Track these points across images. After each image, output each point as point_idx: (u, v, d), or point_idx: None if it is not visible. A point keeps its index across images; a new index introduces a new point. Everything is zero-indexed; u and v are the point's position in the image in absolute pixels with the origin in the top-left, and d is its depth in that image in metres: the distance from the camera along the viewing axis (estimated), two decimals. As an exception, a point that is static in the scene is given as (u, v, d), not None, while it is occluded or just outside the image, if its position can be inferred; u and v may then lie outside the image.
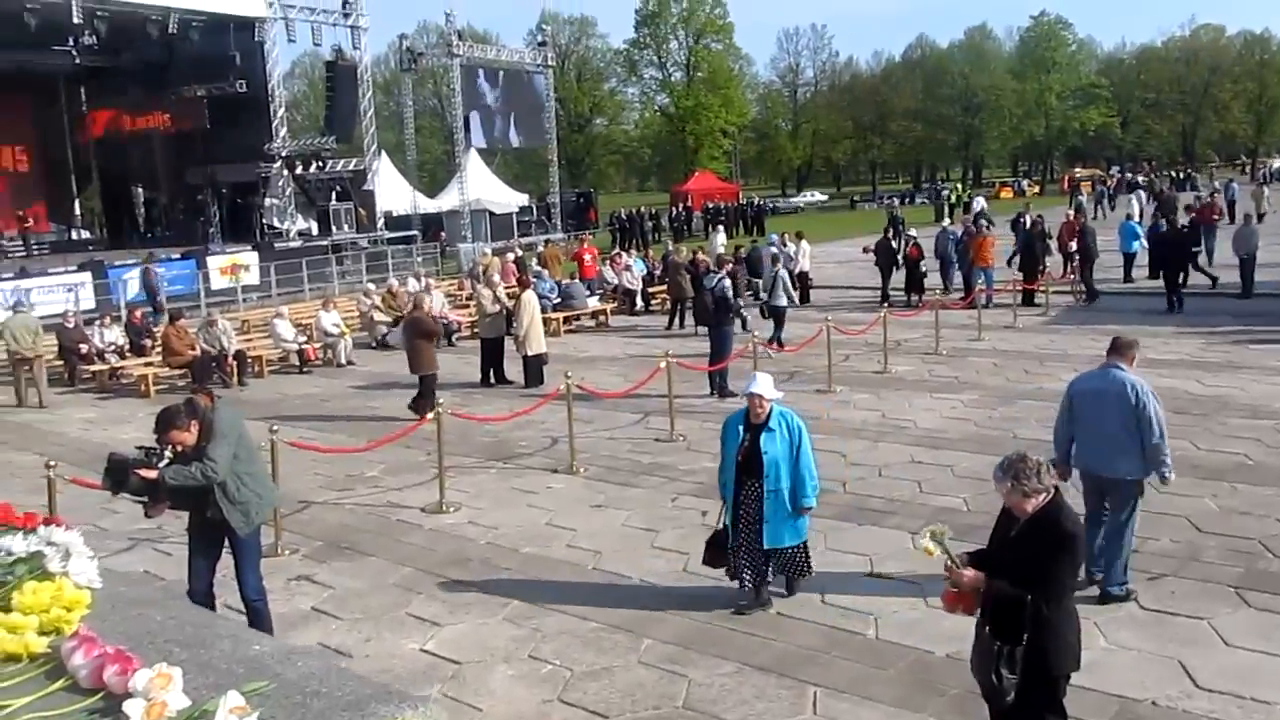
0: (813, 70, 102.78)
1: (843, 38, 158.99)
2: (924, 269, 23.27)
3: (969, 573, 4.71)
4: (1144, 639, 6.60)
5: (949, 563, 4.75)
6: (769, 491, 7.16)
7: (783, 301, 18.73)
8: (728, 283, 15.60)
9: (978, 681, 4.85)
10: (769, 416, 7.22)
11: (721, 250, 26.50)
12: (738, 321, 17.00)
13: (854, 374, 15.93)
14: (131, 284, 28.75)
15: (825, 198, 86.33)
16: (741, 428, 7.36)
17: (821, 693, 6.15)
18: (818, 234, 34.44)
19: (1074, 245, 23.12)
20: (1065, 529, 4.60)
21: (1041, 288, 21.80)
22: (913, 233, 24.56)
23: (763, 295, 19.30)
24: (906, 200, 67.27)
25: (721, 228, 44.29)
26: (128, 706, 1.70)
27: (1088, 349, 16.75)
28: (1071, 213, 27.64)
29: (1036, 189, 76.54)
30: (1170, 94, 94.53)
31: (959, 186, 63.69)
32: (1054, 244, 24.34)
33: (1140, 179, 55.71)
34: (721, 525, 7.53)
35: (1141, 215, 27.98)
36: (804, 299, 24.80)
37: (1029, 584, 4.54)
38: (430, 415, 10.84)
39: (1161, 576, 7.55)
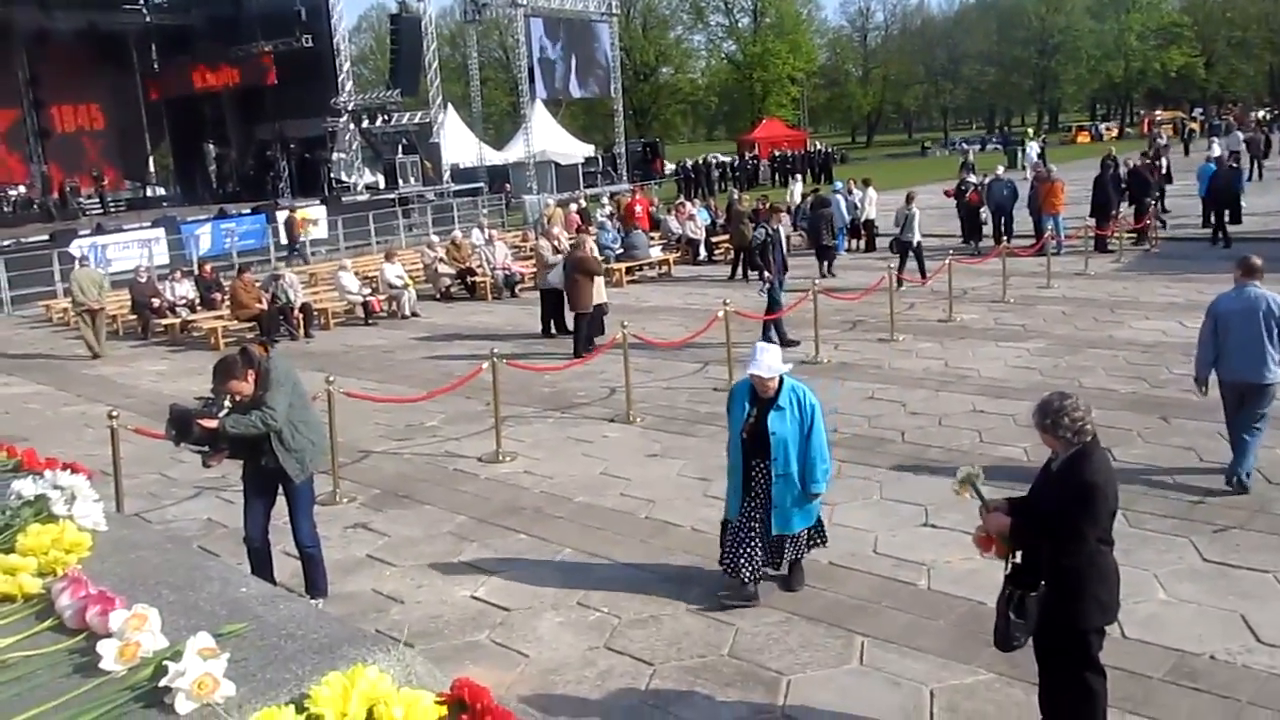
0: (883, 14, 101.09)
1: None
2: (984, 215, 22.86)
3: (995, 516, 4.66)
4: (1205, 592, 6.41)
5: (980, 505, 4.74)
6: (778, 475, 6.56)
7: (914, 237, 19.46)
8: (760, 234, 15.44)
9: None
10: (779, 392, 6.59)
11: (798, 200, 26.24)
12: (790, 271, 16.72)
13: (918, 322, 15.68)
14: (203, 239, 29.33)
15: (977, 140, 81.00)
16: (748, 402, 6.69)
17: (869, 643, 6.08)
18: (887, 181, 33.87)
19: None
20: (1086, 479, 4.45)
21: (1114, 234, 21.22)
22: (973, 179, 24.02)
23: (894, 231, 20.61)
24: (980, 146, 65.70)
25: (799, 177, 43.72)
26: (102, 646, 1.70)
27: (1161, 295, 16.37)
28: (1149, 157, 26.75)
29: (1115, 133, 74.44)
30: (1258, 32, 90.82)
31: (1029, 132, 62.05)
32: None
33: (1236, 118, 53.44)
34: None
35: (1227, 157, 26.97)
36: (869, 247, 24.54)
37: (1047, 530, 4.48)
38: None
39: (1227, 529, 7.33)
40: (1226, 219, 21.38)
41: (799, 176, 45.47)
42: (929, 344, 14.23)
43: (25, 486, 2.36)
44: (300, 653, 1.73)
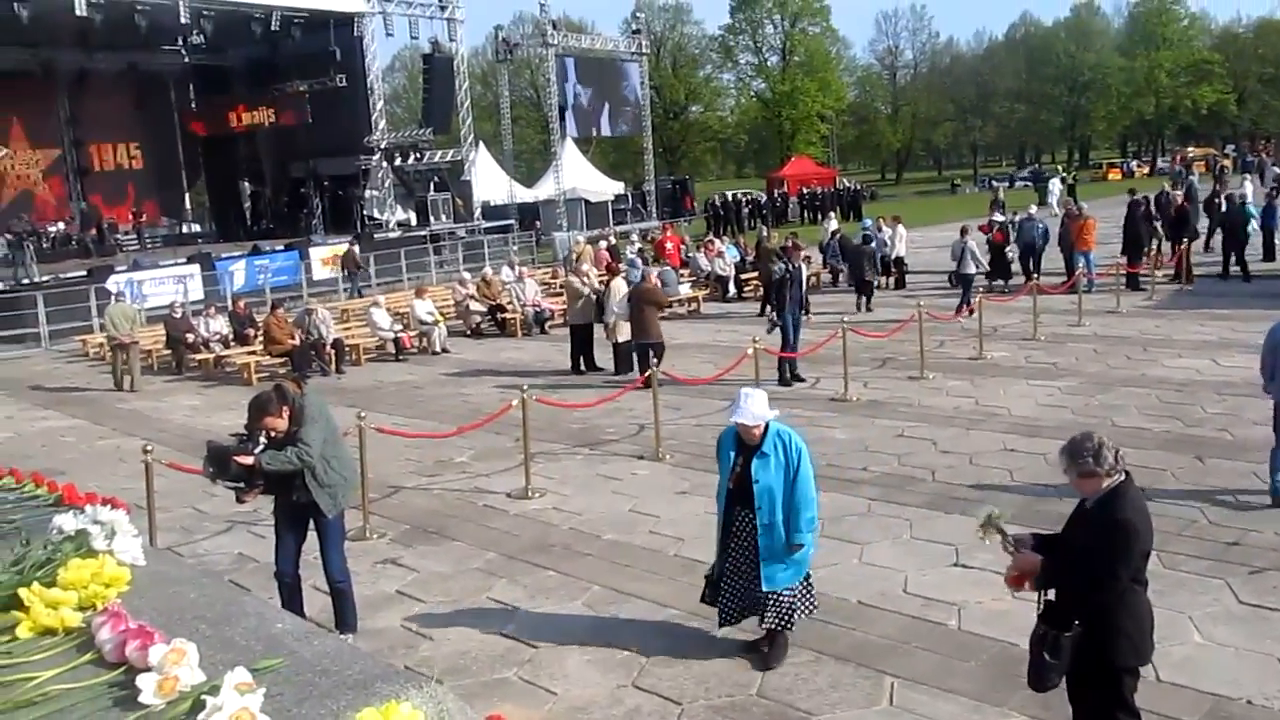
0: (912, 52, 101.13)
1: (943, 18, 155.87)
2: (1010, 255, 22.85)
3: (1027, 555, 4.64)
4: (1241, 635, 6.33)
5: (1005, 545, 4.70)
6: (763, 525, 6.25)
7: (971, 269, 20.04)
8: (780, 268, 15.55)
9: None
10: (764, 438, 6.33)
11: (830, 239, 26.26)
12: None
13: (948, 360, 15.63)
14: (237, 275, 29.67)
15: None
16: (734, 451, 6.44)
17: (899, 683, 6.03)
18: (916, 218, 33.88)
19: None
20: (1118, 516, 4.41)
21: (1146, 271, 21.12)
22: (999, 217, 23.94)
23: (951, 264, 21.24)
24: (1009, 183, 65.56)
25: (834, 215, 43.71)
26: (141, 680, 1.73)
27: (1194, 334, 16.25)
28: (1180, 193, 26.63)
29: (1146, 170, 74.13)
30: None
31: (1059, 169, 61.90)
32: (1160, 226, 23.60)
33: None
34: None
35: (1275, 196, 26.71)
36: (899, 284, 24.51)
37: (1079, 569, 4.44)
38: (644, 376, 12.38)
39: (1263, 570, 7.24)
40: (1240, 254, 21.74)
41: (833, 214, 45.47)
42: (959, 382, 14.18)
43: (66, 521, 2.41)
44: (335, 689, 1.75)
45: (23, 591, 2.14)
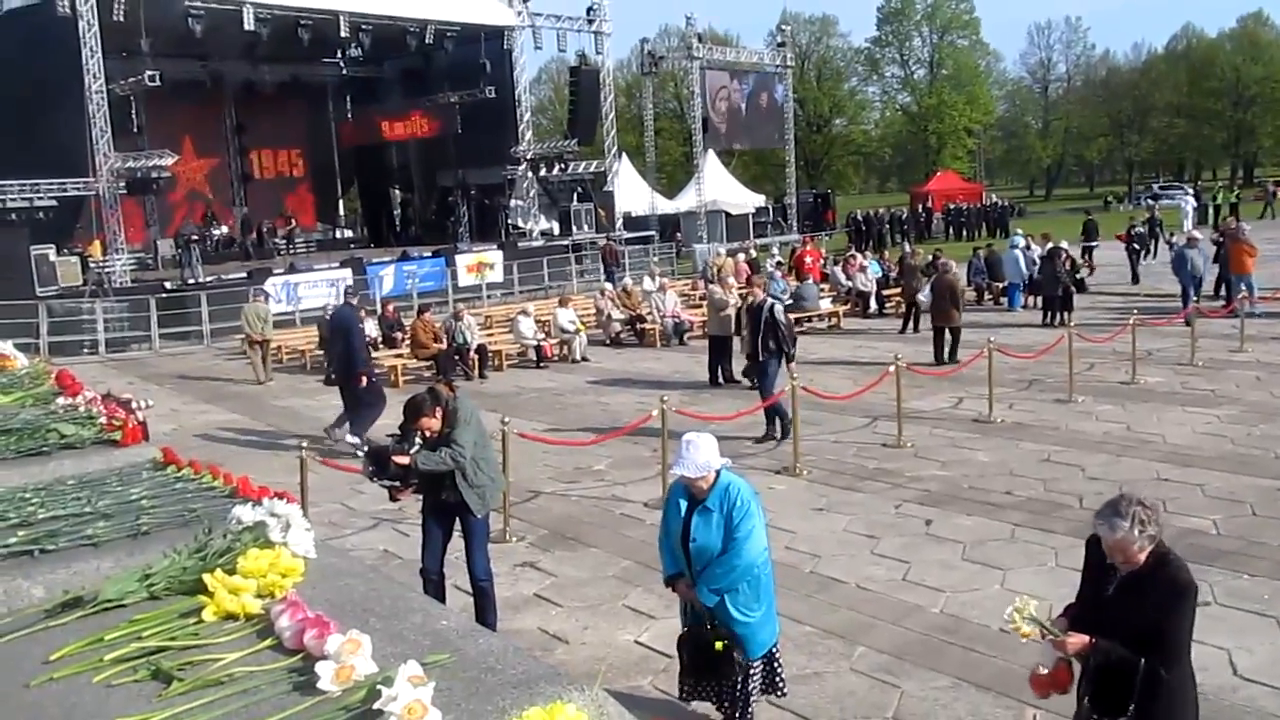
0: (1065, 65, 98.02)
1: (1099, 30, 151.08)
2: (1089, 280, 22.00)
3: (1074, 639, 4.01)
4: None
5: (1051, 635, 4.04)
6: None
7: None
8: (771, 305, 13.97)
9: None
10: (711, 491, 5.47)
11: (1018, 252, 24.95)
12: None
13: (1098, 384, 15.12)
14: (386, 280, 30.62)
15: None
16: (684, 501, 5.60)
17: (1042, 715, 5.86)
18: (1066, 236, 32.73)
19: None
20: (1182, 579, 3.97)
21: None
22: (1064, 244, 22.61)
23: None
24: (1154, 200, 62.83)
25: (1020, 231, 42.51)
26: (320, 667, 1.83)
27: (1368, 363, 15.36)
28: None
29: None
30: None
31: (1217, 185, 59.16)
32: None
33: None
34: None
35: None
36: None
37: (1142, 645, 3.90)
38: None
39: None
40: None
41: (1019, 230, 44.28)
42: (1109, 406, 13.70)
43: (245, 513, 2.55)
44: (500, 686, 1.82)
45: (207, 577, 2.28)
